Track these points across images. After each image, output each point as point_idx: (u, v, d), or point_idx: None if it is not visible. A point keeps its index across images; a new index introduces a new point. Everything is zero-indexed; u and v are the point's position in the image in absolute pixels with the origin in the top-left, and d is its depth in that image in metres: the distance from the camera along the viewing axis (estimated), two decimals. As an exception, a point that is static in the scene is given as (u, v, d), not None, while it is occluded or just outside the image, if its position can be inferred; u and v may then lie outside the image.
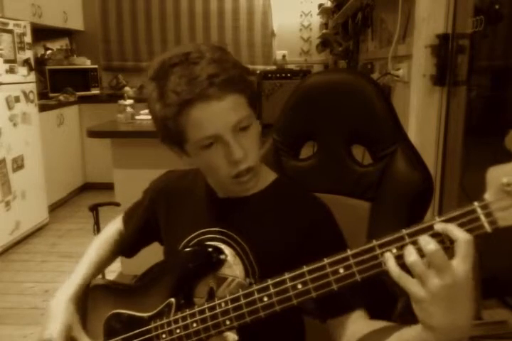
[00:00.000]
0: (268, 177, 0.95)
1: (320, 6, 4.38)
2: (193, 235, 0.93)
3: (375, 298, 0.83)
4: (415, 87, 1.93)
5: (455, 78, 1.84)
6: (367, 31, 3.08)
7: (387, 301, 0.90)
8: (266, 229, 0.89)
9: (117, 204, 2.19)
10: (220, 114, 0.78)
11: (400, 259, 0.61)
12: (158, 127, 0.85)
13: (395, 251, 0.62)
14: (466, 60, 1.82)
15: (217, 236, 0.90)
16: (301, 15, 4.89)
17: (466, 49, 1.81)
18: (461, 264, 0.58)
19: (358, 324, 0.81)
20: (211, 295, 0.87)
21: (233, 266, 0.88)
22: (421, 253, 0.59)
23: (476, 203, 0.59)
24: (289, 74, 2.24)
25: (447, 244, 0.60)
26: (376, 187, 1.04)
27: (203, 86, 0.76)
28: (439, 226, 0.60)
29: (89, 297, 1.02)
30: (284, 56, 4.89)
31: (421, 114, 1.90)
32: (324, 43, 4.42)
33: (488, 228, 0.58)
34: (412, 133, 1.90)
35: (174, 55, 0.80)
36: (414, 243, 0.61)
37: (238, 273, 0.87)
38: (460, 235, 0.58)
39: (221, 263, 0.87)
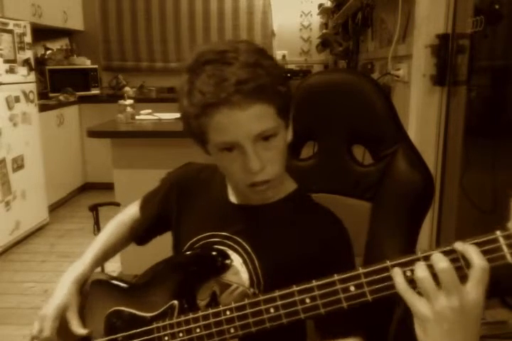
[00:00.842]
0: (288, 186, 0.93)
1: (320, 6, 4.38)
2: (200, 236, 0.92)
3: (372, 321, 0.82)
4: (415, 87, 1.93)
5: (455, 78, 1.84)
6: (367, 31, 3.08)
7: (386, 308, 0.89)
8: (277, 241, 0.87)
9: (117, 205, 2.18)
10: (242, 123, 0.75)
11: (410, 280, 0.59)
12: (183, 122, 0.84)
13: (409, 274, 0.60)
14: (466, 60, 1.82)
15: (226, 241, 0.89)
16: (301, 15, 4.89)
17: (466, 49, 1.81)
18: (473, 289, 0.56)
19: None
20: (213, 299, 0.87)
21: (239, 274, 0.86)
22: (432, 270, 0.58)
23: (498, 232, 0.56)
24: (289, 74, 2.23)
25: (463, 272, 0.57)
26: (376, 188, 1.04)
27: (229, 91, 0.73)
28: (459, 246, 0.58)
29: (90, 291, 1.02)
30: (284, 56, 4.89)
31: (421, 114, 1.90)
32: (324, 43, 4.42)
33: (510, 259, 0.55)
34: (412, 133, 1.90)
35: (211, 50, 0.78)
36: (429, 266, 0.58)
37: (243, 281, 0.86)
38: (477, 261, 0.56)
39: (226, 268, 0.86)
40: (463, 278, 0.57)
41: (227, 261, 0.86)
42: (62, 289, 0.98)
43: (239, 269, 0.86)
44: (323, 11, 4.35)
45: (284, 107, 0.81)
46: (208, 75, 0.75)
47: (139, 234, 1.10)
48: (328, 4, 4.10)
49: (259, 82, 0.75)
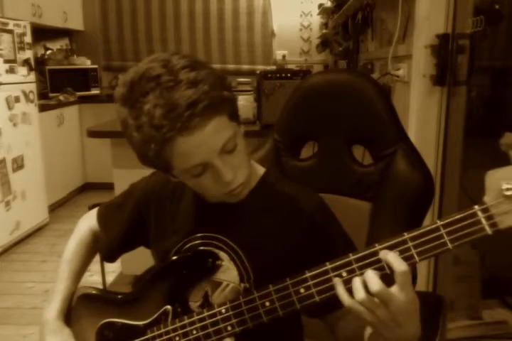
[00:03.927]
0: (256, 174, 0.92)
1: (320, 6, 4.38)
2: (185, 240, 0.91)
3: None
4: (415, 87, 1.93)
5: (455, 78, 1.83)
6: (367, 31, 3.08)
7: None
8: (259, 232, 0.87)
9: (117, 204, 2.18)
10: (204, 142, 0.74)
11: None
12: (138, 154, 0.80)
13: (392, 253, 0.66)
14: (466, 60, 1.81)
15: (211, 241, 0.89)
16: (301, 15, 4.89)
17: (466, 49, 1.81)
18: (401, 291, 0.64)
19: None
20: (206, 300, 0.87)
21: (228, 271, 0.86)
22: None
23: (476, 207, 0.62)
24: (289, 75, 2.24)
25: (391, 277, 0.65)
26: (376, 188, 1.04)
27: (184, 118, 0.70)
28: (382, 255, 0.66)
29: (76, 307, 1.01)
30: (284, 56, 4.89)
31: (421, 114, 1.90)
32: (324, 43, 4.42)
33: (488, 230, 0.61)
34: (412, 133, 1.90)
35: (143, 76, 0.73)
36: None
37: (233, 278, 0.86)
38: (397, 267, 0.63)
39: (216, 268, 0.86)
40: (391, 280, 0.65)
41: (218, 262, 0.86)
42: (52, 331, 0.97)
43: (227, 266, 0.86)
44: (323, 11, 4.35)
45: (233, 110, 0.79)
46: (153, 105, 0.70)
47: (110, 252, 1.08)
48: (328, 4, 4.10)
49: (208, 98, 0.72)
